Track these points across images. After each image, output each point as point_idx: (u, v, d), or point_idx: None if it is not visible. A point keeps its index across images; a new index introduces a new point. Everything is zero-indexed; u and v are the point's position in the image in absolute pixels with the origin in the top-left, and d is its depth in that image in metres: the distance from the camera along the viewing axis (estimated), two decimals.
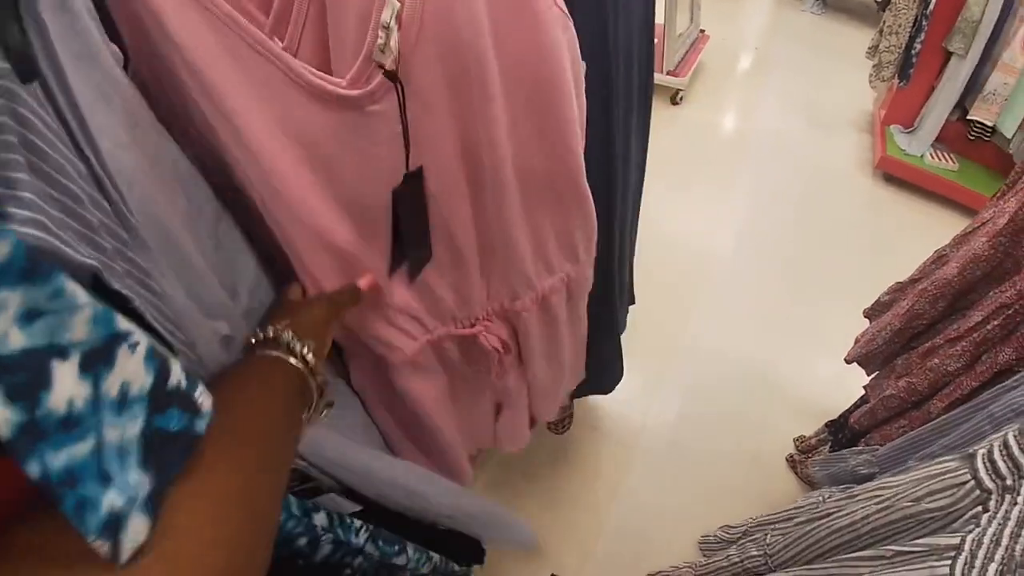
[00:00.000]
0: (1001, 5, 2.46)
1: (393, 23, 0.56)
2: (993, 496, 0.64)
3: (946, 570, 0.60)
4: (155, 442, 0.41)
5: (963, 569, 0.58)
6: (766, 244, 2.57)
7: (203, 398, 0.46)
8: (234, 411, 0.50)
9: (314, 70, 0.59)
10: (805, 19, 4.42)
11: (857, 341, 1.50)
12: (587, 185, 0.84)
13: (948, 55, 2.70)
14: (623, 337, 1.41)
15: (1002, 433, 0.69)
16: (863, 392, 1.52)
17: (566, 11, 0.67)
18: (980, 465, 0.67)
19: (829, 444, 1.68)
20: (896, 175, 2.96)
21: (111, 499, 0.37)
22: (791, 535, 0.91)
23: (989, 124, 2.63)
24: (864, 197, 2.95)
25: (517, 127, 0.71)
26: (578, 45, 0.72)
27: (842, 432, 1.59)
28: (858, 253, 2.54)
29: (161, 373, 0.42)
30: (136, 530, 0.38)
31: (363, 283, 0.74)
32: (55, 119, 0.43)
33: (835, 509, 0.82)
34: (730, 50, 3.87)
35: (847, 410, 1.61)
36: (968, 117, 2.70)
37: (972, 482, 0.67)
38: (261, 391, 0.55)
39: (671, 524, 1.67)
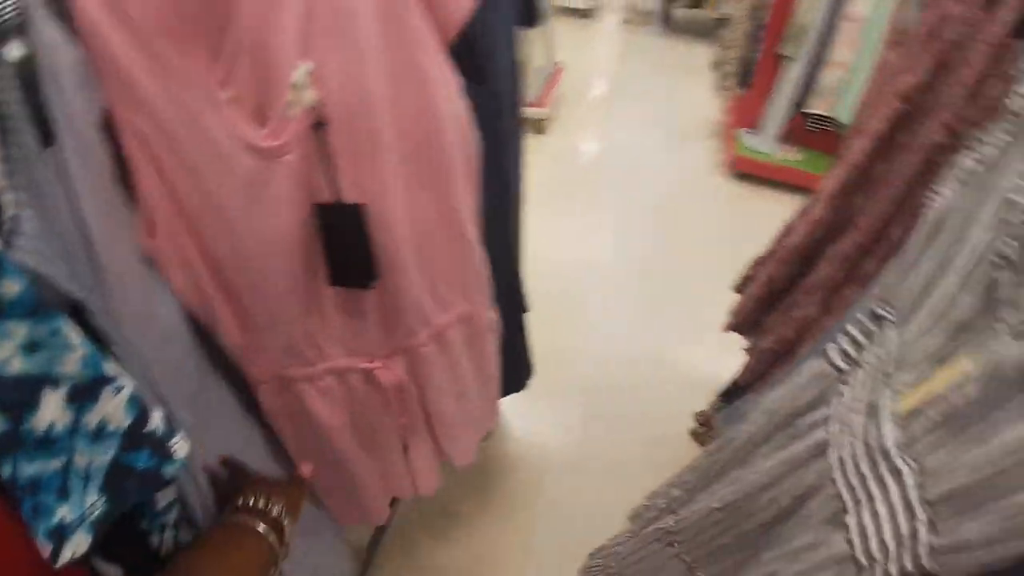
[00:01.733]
0: (826, 10, 2.78)
1: (304, 81, 0.67)
2: (848, 373, 0.77)
3: (822, 433, 0.73)
4: (119, 474, 0.48)
5: (832, 428, 0.72)
6: (639, 249, 2.76)
7: (177, 446, 0.53)
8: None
9: (242, 124, 0.70)
10: (650, 42, 4.76)
11: (732, 313, 1.65)
12: (474, 233, 0.96)
13: (783, 59, 3.01)
14: None
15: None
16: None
17: (454, 78, 0.80)
18: (833, 355, 0.80)
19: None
20: (748, 172, 3.26)
21: (63, 512, 0.43)
22: (700, 465, 1.03)
23: (826, 114, 2.99)
24: (721, 195, 3.23)
25: (409, 179, 0.83)
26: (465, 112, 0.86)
27: (732, 396, 1.74)
28: (722, 243, 2.75)
29: (140, 418, 0.49)
30: (77, 543, 0.44)
31: (304, 471, 0.87)
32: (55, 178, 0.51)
33: (733, 434, 0.93)
34: (585, 77, 4.12)
35: (733, 377, 1.76)
36: (804, 111, 3.04)
37: (829, 367, 0.80)
38: (242, 563, 0.65)
39: (598, 519, 1.73)
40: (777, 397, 0.89)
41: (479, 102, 0.89)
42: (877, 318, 0.79)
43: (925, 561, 0.59)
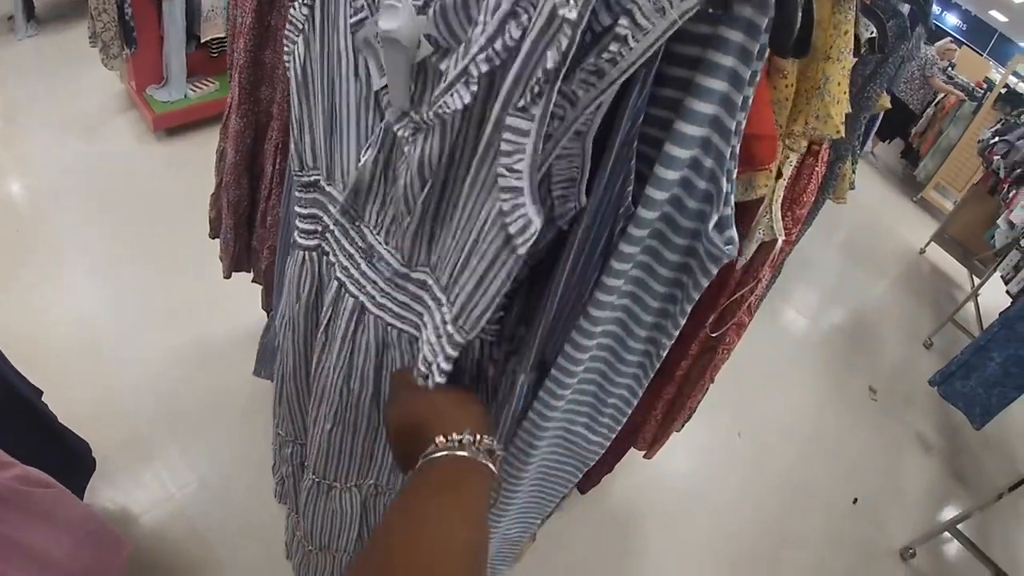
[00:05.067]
0: None
1: None
2: (325, 240, 0.81)
3: (350, 302, 0.79)
4: None
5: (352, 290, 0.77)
6: (121, 266, 2.41)
7: None
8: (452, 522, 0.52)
9: None
10: (28, 46, 3.90)
11: (220, 258, 1.57)
12: None
13: (159, 2, 2.83)
14: None
15: None
16: None
17: None
18: (301, 239, 0.83)
19: None
20: (176, 125, 3.09)
21: None
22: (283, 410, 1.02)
23: (222, 35, 3.00)
24: (162, 160, 3.01)
25: None
26: None
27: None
28: (188, 202, 2.51)
29: None
30: None
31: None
32: None
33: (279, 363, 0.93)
34: None
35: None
36: (202, 40, 3.00)
37: (303, 252, 0.82)
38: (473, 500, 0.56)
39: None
40: (287, 309, 0.87)
41: None
42: (310, 185, 0.79)
43: (455, 332, 0.65)
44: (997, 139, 3.82)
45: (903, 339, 3.63)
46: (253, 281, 1.56)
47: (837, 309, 3.72)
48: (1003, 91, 5.20)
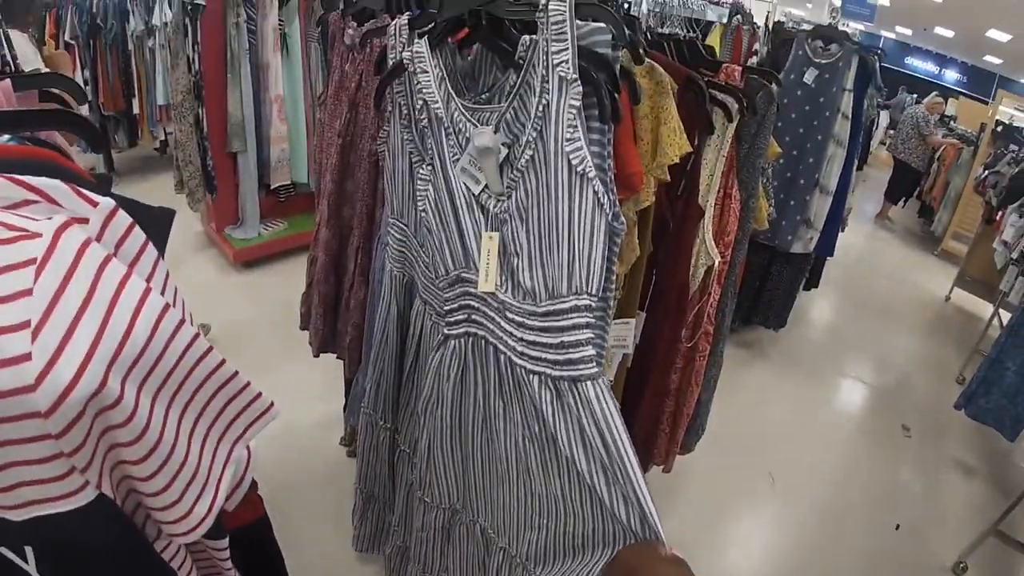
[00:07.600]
0: (250, 103, 3.16)
1: None
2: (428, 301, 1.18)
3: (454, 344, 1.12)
4: None
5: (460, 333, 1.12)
6: None
7: None
8: None
9: None
10: None
11: (311, 343, 1.95)
12: None
13: (235, 155, 3.31)
14: None
15: None
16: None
17: None
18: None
19: None
20: (252, 259, 3.57)
21: None
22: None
23: (288, 183, 3.48)
24: (241, 287, 3.46)
25: None
26: None
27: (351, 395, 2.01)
28: (273, 318, 2.98)
29: None
30: None
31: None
32: None
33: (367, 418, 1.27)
34: None
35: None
36: (271, 187, 3.46)
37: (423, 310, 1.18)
38: None
39: None
40: (433, 393, 1.17)
41: None
42: (455, 281, 1.11)
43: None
44: (987, 172, 4.00)
45: (935, 379, 3.69)
46: (338, 358, 1.92)
47: (866, 360, 3.82)
48: (996, 128, 5.36)
